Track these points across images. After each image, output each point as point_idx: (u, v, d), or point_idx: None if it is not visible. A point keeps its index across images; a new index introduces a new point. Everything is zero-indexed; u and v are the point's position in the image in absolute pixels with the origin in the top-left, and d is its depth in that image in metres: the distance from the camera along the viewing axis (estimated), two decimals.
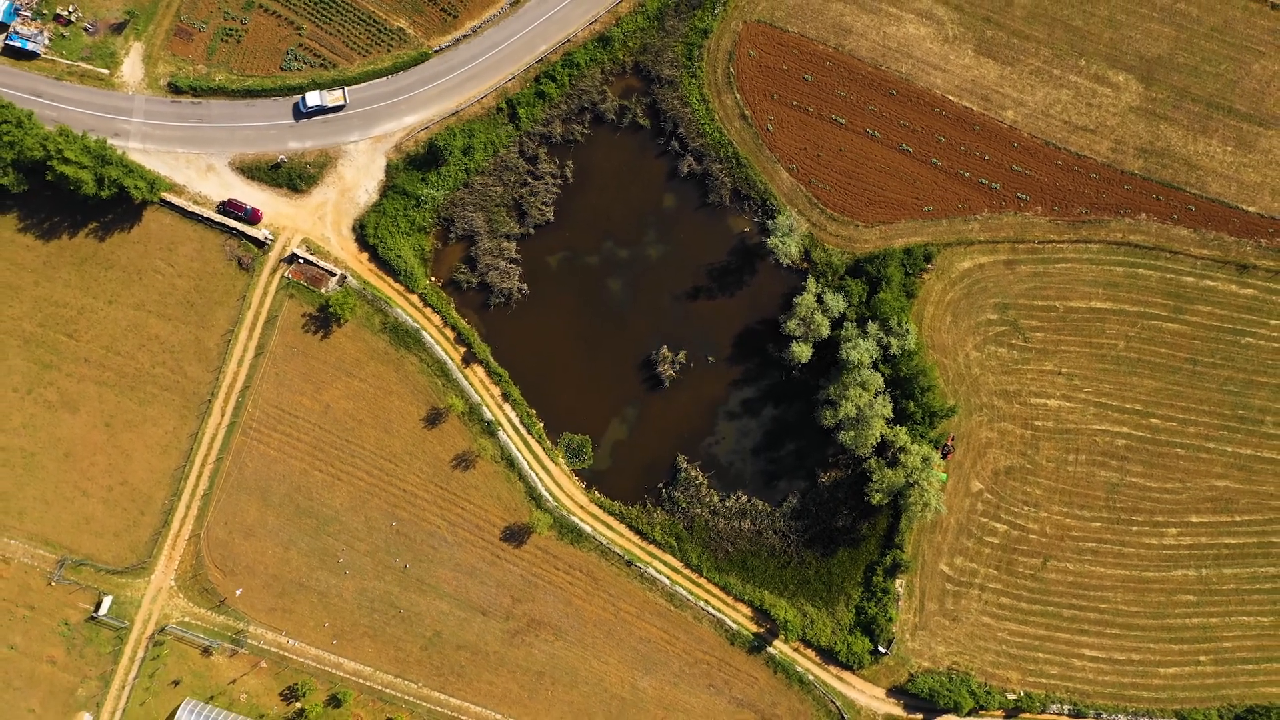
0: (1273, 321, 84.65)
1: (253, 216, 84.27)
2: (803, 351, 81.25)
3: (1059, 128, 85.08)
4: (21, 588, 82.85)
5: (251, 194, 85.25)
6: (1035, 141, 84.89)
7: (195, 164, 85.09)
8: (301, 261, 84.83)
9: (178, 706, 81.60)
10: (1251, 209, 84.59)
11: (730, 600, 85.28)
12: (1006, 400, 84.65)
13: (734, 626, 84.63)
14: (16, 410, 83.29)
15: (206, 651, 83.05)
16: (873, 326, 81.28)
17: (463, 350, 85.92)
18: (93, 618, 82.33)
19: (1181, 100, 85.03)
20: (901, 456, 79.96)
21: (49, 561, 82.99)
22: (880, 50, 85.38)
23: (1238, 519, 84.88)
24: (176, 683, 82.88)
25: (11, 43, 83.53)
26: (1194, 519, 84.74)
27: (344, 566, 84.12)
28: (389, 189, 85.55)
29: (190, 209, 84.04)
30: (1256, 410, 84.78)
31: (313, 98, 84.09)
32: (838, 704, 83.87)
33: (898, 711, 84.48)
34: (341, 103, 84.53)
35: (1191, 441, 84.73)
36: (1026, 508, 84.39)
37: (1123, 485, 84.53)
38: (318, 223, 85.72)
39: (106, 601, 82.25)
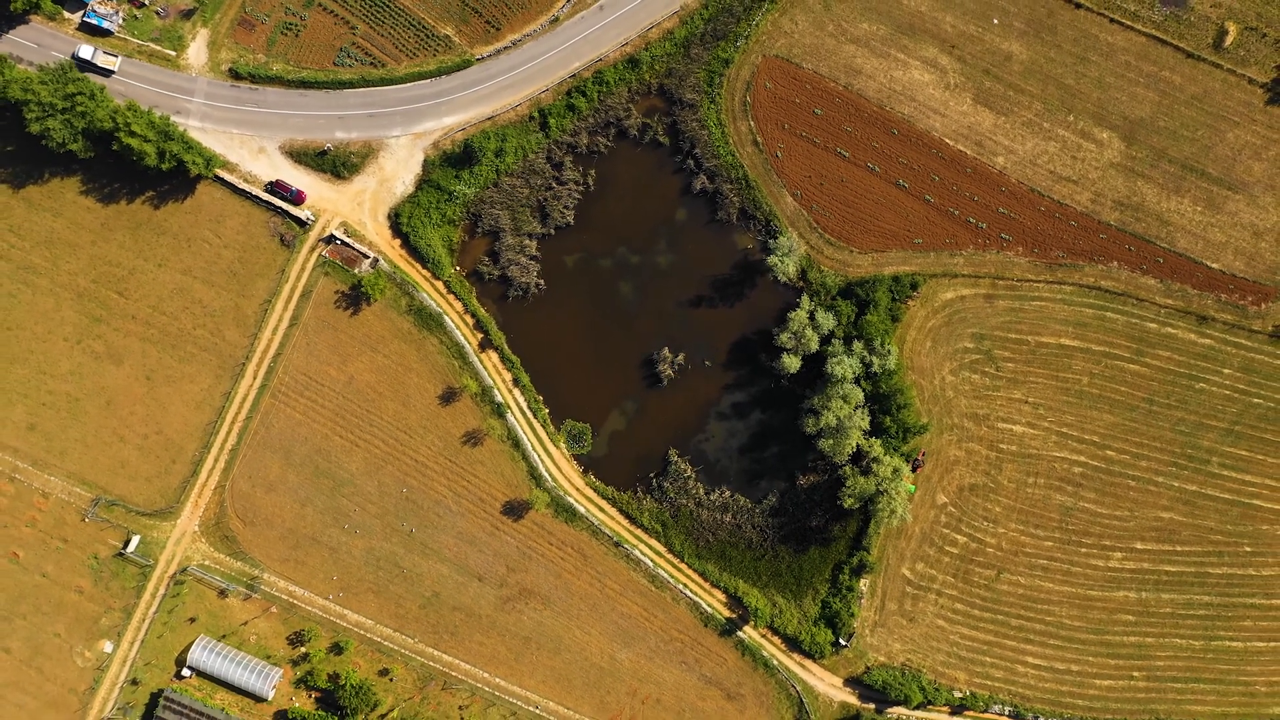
0: (1225, 370, 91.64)
1: (297, 198, 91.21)
2: (792, 363, 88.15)
3: (1044, 176, 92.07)
4: (57, 521, 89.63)
5: (297, 177, 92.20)
6: (1022, 187, 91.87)
7: (248, 145, 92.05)
8: (338, 242, 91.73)
9: (193, 641, 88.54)
10: (1215, 265, 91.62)
11: (707, 586, 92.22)
12: (976, 422, 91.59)
13: (709, 610, 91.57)
14: (65, 358, 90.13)
15: (223, 594, 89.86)
16: (858, 345, 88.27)
17: (480, 336, 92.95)
18: (120, 554, 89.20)
19: (1159, 160, 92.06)
20: (875, 466, 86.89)
21: (84, 499, 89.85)
22: (886, 92, 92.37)
23: (1178, 549, 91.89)
24: (193, 620, 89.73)
25: (89, 20, 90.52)
26: (1139, 545, 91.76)
27: (355, 526, 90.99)
28: (424, 182, 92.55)
29: (240, 186, 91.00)
30: (1204, 451, 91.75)
31: (86, 51, 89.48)
32: (798, 689, 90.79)
33: (852, 700, 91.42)
34: (112, 69, 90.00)
35: (1142, 475, 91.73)
36: (986, 523, 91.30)
37: (1076, 509, 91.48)
38: (356, 208, 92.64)
39: (134, 540, 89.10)
